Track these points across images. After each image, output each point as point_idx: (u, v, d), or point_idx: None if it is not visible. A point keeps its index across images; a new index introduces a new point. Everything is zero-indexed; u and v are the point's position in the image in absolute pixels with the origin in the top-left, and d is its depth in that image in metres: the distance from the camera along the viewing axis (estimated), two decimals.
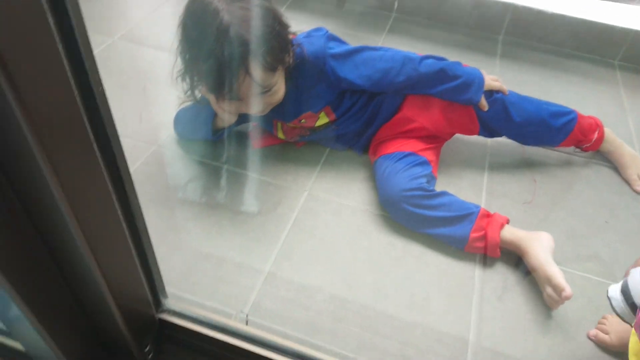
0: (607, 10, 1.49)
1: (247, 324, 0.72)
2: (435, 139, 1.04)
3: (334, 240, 0.91)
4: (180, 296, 0.78)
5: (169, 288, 0.71)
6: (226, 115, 0.91)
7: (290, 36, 0.88)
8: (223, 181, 0.99)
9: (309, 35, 0.95)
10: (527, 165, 1.09)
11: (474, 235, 0.88)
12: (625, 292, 0.57)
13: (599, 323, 0.81)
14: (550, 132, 1.04)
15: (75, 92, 0.38)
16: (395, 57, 0.95)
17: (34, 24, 0.32)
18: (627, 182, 1.06)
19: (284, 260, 0.86)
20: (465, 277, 0.87)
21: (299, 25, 0.99)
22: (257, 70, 0.81)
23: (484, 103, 0.98)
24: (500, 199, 1.01)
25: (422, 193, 0.90)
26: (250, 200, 0.95)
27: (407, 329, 0.78)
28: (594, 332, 0.80)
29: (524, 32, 1.50)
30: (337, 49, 0.93)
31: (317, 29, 0.97)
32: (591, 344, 0.79)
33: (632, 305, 0.57)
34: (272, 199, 0.97)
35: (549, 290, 0.81)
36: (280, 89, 0.88)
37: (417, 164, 0.97)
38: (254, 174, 1.02)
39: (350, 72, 0.92)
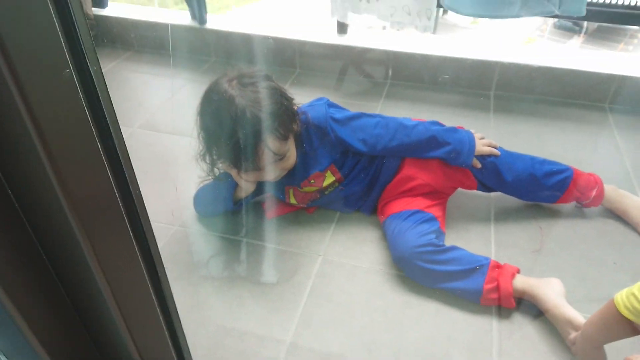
0: (589, 57, 1.59)
1: None
2: (439, 195, 1.09)
3: (350, 304, 0.94)
4: None
5: None
6: (246, 185, 1.00)
7: (295, 107, 0.98)
8: (242, 254, 1.04)
9: (311, 104, 1.06)
10: (532, 213, 1.13)
11: (487, 287, 0.90)
12: None
13: None
14: (544, 191, 1.08)
15: (113, 183, 0.45)
16: (389, 124, 1.03)
17: (76, 122, 0.39)
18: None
19: (304, 328, 0.89)
20: (483, 330, 0.88)
21: (303, 99, 1.09)
22: (272, 142, 0.92)
23: (475, 163, 1.05)
24: (509, 249, 1.04)
25: (432, 249, 0.94)
26: (268, 271, 1.00)
27: None
28: None
29: (514, 86, 1.59)
30: (338, 114, 1.03)
31: (319, 99, 1.07)
32: None
33: None
34: (288, 266, 1.01)
35: (571, 331, 0.81)
36: (292, 154, 0.98)
37: (424, 221, 1.01)
38: (270, 244, 1.07)
39: (348, 135, 1.01)
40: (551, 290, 0.87)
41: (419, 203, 1.05)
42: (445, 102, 1.59)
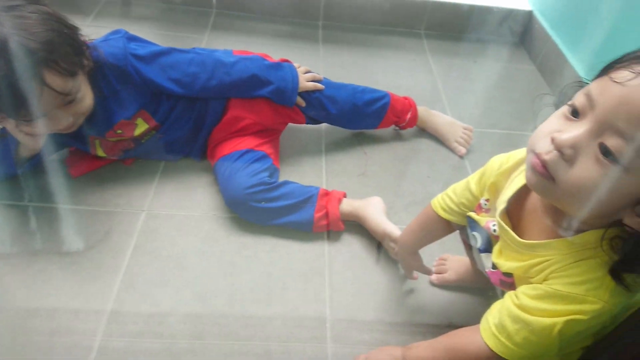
0: None
1: None
2: (270, 132, 1.05)
3: (182, 256, 0.87)
4: None
5: None
6: (30, 140, 0.82)
7: (84, 40, 0.82)
8: (40, 222, 0.88)
9: (106, 38, 0.90)
10: (358, 140, 1.18)
11: (317, 215, 0.92)
12: None
13: (437, 265, 0.91)
14: (365, 119, 1.12)
15: None
16: (206, 61, 0.93)
17: None
18: (451, 150, 1.18)
19: (127, 292, 0.80)
20: (316, 256, 0.91)
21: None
22: (52, 78, 0.74)
23: (300, 101, 1.02)
24: (339, 176, 1.07)
25: (263, 187, 0.91)
26: (74, 237, 0.86)
27: (268, 324, 0.79)
28: (434, 276, 0.90)
29: (340, 16, 1.60)
30: (141, 50, 0.89)
31: (115, 32, 0.91)
32: (433, 288, 0.89)
33: None
34: (104, 228, 0.89)
35: (392, 245, 0.88)
36: (86, 96, 0.81)
37: (255, 160, 0.97)
38: (78, 206, 0.93)
39: (157, 75, 0.88)
40: (373, 209, 0.93)
41: (250, 142, 1.00)
42: (274, 33, 1.52)
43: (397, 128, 1.19)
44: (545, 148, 0.47)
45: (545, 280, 0.53)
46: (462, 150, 1.16)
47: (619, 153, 0.42)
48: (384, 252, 0.92)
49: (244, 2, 1.56)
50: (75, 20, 0.81)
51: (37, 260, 0.83)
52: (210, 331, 0.77)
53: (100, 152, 0.95)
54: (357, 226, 0.96)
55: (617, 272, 0.49)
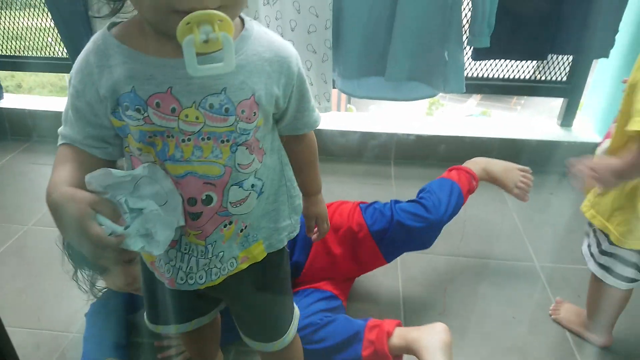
0: (472, 123, 1.78)
1: None
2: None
3: None
4: None
5: None
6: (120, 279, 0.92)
7: None
8: None
9: None
10: (437, 273, 1.19)
11: (365, 353, 0.87)
12: None
13: None
14: (452, 215, 1.07)
15: None
16: None
17: None
18: (515, 197, 1.14)
19: None
20: None
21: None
22: None
23: None
24: (417, 313, 1.07)
25: (311, 329, 0.89)
26: None
27: None
28: None
29: (410, 154, 1.73)
30: None
31: None
32: None
33: None
34: None
35: None
36: None
37: (321, 299, 0.96)
38: None
39: None
40: (431, 344, 0.84)
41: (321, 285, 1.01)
42: (352, 172, 1.66)
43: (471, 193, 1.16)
44: None
45: None
46: (526, 197, 1.13)
47: None
48: None
49: (327, 148, 1.74)
50: None
51: None
52: None
53: None
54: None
55: None
